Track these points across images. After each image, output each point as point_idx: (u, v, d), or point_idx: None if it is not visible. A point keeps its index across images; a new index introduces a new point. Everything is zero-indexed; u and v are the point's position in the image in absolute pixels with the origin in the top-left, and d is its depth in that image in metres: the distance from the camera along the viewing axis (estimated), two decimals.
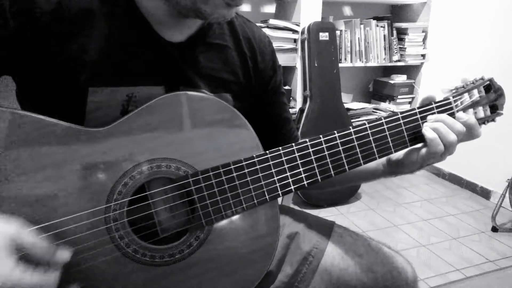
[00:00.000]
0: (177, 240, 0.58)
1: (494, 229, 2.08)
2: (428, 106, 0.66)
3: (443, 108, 0.67)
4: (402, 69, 2.83)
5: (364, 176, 0.74)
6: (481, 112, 0.69)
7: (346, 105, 2.55)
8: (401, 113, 0.65)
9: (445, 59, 2.68)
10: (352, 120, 2.52)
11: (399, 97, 2.76)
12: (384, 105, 2.83)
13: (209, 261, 0.60)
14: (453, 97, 0.68)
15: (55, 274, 0.47)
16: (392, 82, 2.77)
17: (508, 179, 2.07)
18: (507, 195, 2.09)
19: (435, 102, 0.67)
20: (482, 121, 0.70)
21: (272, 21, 2.23)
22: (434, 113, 0.66)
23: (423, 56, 2.76)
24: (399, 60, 2.71)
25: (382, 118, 0.65)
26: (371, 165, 0.69)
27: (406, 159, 0.67)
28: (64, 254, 0.49)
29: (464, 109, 0.68)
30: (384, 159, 0.70)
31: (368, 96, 2.99)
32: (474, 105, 0.69)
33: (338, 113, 2.42)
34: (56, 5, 0.53)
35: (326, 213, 2.24)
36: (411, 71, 2.84)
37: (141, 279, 0.56)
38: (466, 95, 0.68)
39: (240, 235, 0.61)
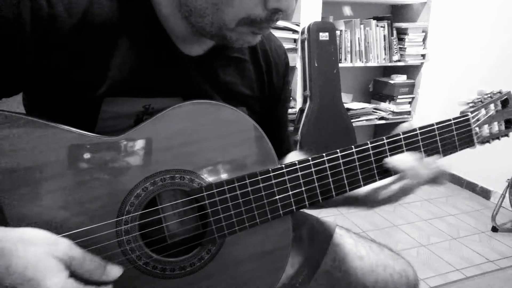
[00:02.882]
0: (188, 253, 0.57)
1: (494, 229, 2.08)
2: (447, 122, 0.64)
3: (461, 125, 0.65)
4: (402, 69, 2.83)
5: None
6: (495, 127, 0.68)
7: (346, 105, 2.55)
8: (386, 137, 0.62)
9: (445, 59, 2.68)
10: (352, 120, 2.52)
11: (399, 97, 2.76)
12: (384, 105, 2.83)
13: (219, 275, 0.59)
14: (471, 112, 0.65)
15: None
16: (392, 82, 2.77)
17: (508, 179, 2.08)
18: (507, 195, 2.09)
19: (454, 119, 0.64)
20: (496, 136, 0.68)
21: None
22: (452, 129, 0.64)
23: (423, 56, 2.76)
24: (399, 60, 2.71)
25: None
26: None
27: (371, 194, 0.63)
28: (114, 271, 0.48)
29: (480, 125, 0.66)
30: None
31: (368, 96, 2.99)
32: (490, 120, 0.67)
33: (338, 113, 2.42)
34: (78, 20, 0.51)
35: (326, 213, 2.24)
36: (411, 71, 2.83)
37: None
38: (483, 110, 0.67)
39: (252, 249, 0.60)
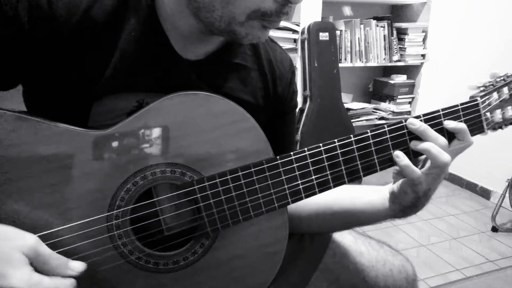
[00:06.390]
0: (182, 247, 0.57)
1: (494, 229, 2.08)
2: (454, 108, 0.60)
3: (469, 110, 0.61)
4: (402, 69, 2.83)
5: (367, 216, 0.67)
6: (509, 111, 0.63)
7: (346, 105, 2.55)
8: (388, 125, 0.59)
9: (445, 59, 2.68)
10: (352, 120, 2.52)
11: (399, 97, 2.76)
12: (384, 105, 2.83)
13: (214, 268, 0.58)
14: (481, 97, 0.61)
15: (71, 280, 0.47)
16: (392, 82, 2.77)
17: (508, 179, 2.07)
18: (507, 195, 2.09)
19: (461, 104, 0.61)
20: (510, 121, 0.64)
21: None
22: (460, 115, 0.60)
23: (423, 56, 2.76)
24: (399, 60, 2.71)
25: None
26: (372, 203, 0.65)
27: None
28: (76, 267, 0.49)
29: (492, 110, 0.62)
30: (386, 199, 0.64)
31: (368, 96, 2.99)
32: (502, 104, 0.63)
33: (338, 113, 2.42)
34: (79, 19, 0.51)
35: None
36: (411, 71, 2.84)
37: (144, 286, 0.55)
38: (495, 94, 0.62)
39: (247, 243, 0.59)
